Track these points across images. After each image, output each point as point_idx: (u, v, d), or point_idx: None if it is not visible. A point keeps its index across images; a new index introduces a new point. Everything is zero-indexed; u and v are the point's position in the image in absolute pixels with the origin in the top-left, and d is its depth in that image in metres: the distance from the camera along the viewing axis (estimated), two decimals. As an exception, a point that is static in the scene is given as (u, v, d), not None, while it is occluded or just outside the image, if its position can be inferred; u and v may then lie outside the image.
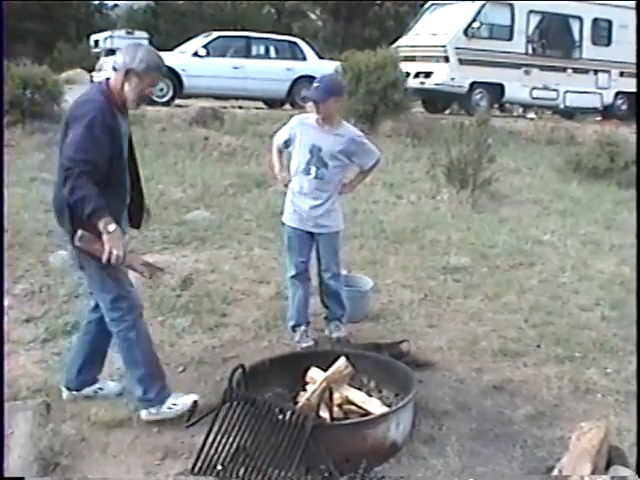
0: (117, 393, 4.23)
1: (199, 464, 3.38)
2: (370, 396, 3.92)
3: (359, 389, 3.98)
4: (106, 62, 16.47)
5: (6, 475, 3.29)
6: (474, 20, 16.23)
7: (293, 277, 5.06)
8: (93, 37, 35.79)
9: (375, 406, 3.78)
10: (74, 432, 3.85)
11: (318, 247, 5.01)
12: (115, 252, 3.53)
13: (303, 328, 5.07)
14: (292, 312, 5.11)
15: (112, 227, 3.52)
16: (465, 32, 16.16)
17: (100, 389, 4.22)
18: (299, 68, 16.51)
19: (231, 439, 3.44)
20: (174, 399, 3.89)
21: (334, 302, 5.13)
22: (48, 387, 4.31)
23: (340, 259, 5.14)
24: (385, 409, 3.74)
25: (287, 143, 4.99)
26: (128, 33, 34.54)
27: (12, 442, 3.61)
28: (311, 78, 16.16)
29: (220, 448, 3.41)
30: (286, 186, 5.04)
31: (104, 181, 3.59)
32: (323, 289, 5.16)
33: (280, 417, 3.45)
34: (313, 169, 4.79)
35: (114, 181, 3.72)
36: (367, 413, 3.73)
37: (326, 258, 5.00)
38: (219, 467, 3.37)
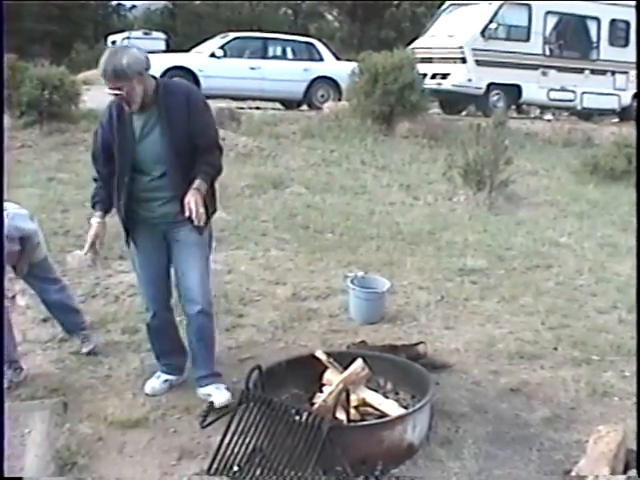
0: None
1: (215, 465, 3.38)
2: (387, 398, 3.91)
3: (376, 391, 3.97)
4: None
5: (22, 475, 3.32)
6: (491, 21, 16.14)
7: None
8: (110, 38, 36.03)
9: (392, 408, 3.77)
10: (91, 432, 3.87)
11: None
12: None
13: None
14: None
15: None
16: (482, 33, 16.09)
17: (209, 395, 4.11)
18: (316, 69, 16.52)
19: (247, 440, 3.44)
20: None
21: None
22: (65, 386, 4.34)
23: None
24: (402, 411, 3.73)
25: None
26: (145, 34, 34.82)
27: (29, 441, 3.64)
28: (328, 79, 16.39)
29: (236, 449, 3.41)
30: None
31: None
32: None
33: (296, 418, 3.45)
34: None
35: None
36: (384, 415, 3.72)
37: None
38: (235, 468, 3.37)
